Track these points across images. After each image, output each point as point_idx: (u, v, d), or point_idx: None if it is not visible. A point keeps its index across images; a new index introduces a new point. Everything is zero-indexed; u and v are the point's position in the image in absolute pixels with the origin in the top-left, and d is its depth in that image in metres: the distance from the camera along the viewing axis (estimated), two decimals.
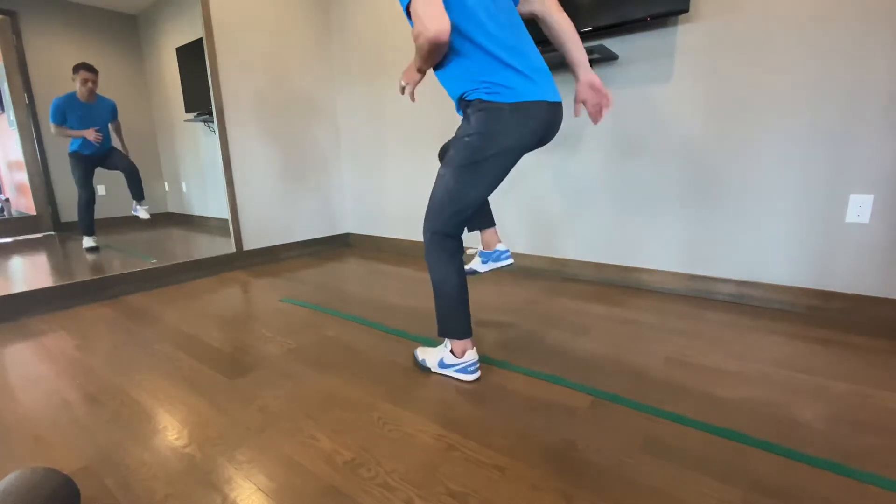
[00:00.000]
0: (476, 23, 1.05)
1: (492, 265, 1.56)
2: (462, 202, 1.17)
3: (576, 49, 1.21)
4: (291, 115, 2.90)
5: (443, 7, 0.98)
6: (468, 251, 1.51)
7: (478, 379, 1.26)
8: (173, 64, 2.79)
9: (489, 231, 1.53)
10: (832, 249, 1.64)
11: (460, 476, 0.88)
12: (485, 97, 1.08)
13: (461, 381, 1.25)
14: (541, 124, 1.13)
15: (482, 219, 1.51)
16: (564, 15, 1.24)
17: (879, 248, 1.55)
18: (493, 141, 1.10)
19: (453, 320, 1.25)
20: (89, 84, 2.52)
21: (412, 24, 1.05)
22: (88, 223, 2.63)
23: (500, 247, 1.53)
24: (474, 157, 1.12)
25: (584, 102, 1.22)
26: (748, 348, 1.42)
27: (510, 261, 1.54)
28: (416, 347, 1.41)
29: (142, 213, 2.83)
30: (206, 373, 1.34)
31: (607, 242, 2.15)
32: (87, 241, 2.65)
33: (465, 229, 1.45)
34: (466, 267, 1.61)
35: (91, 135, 2.53)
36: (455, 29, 1.05)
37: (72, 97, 2.51)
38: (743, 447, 0.94)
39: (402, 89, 1.28)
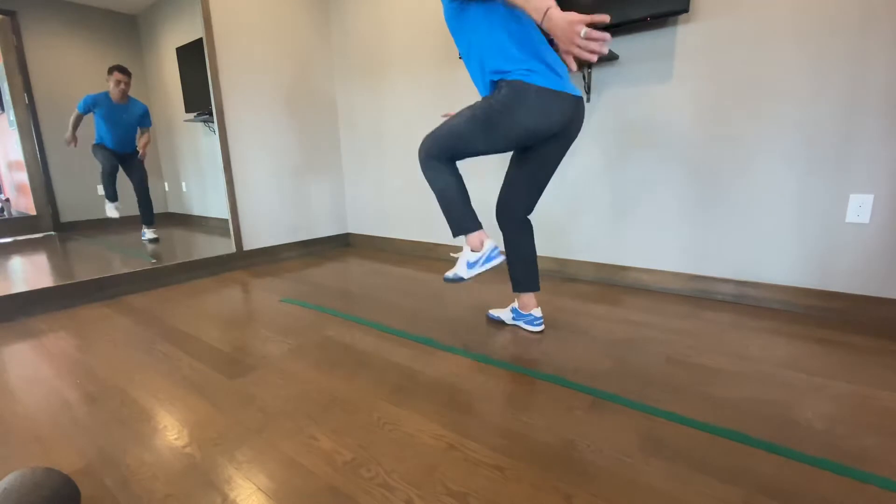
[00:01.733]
0: (522, 23, 1.25)
1: (523, 325, 1.59)
2: (461, 144, 1.33)
3: None
4: (291, 114, 2.90)
5: None
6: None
7: (504, 260, 1.44)
8: (173, 64, 2.79)
9: (529, 295, 1.56)
10: (832, 249, 1.64)
11: (460, 476, 0.88)
12: (518, 77, 1.23)
13: (493, 267, 1.41)
14: (562, 115, 1.28)
15: (528, 281, 1.53)
16: None
17: (879, 247, 1.55)
18: (512, 114, 1.25)
19: (463, 216, 1.40)
20: (122, 86, 2.58)
21: (446, 15, 1.30)
22: (111, 188, 2.69)
23: (536, 312, 1.56)
24: (491, 118, 1.28)
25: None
26: (748, 348, 1.42)
27: (541, 327, 1.57)
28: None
29: (150, 234, 2.87)
30: (206, 373, 1.34)
31: (607, 242, 2.15)
32: (109, 208, 2.69)
33: (511, 286, 1.64)
34: (492, 313, 1.71)
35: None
36: (503, 22, 1.23)
37: (105, 95, 2.57)
38: (743, 447, 0.94)
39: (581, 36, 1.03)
